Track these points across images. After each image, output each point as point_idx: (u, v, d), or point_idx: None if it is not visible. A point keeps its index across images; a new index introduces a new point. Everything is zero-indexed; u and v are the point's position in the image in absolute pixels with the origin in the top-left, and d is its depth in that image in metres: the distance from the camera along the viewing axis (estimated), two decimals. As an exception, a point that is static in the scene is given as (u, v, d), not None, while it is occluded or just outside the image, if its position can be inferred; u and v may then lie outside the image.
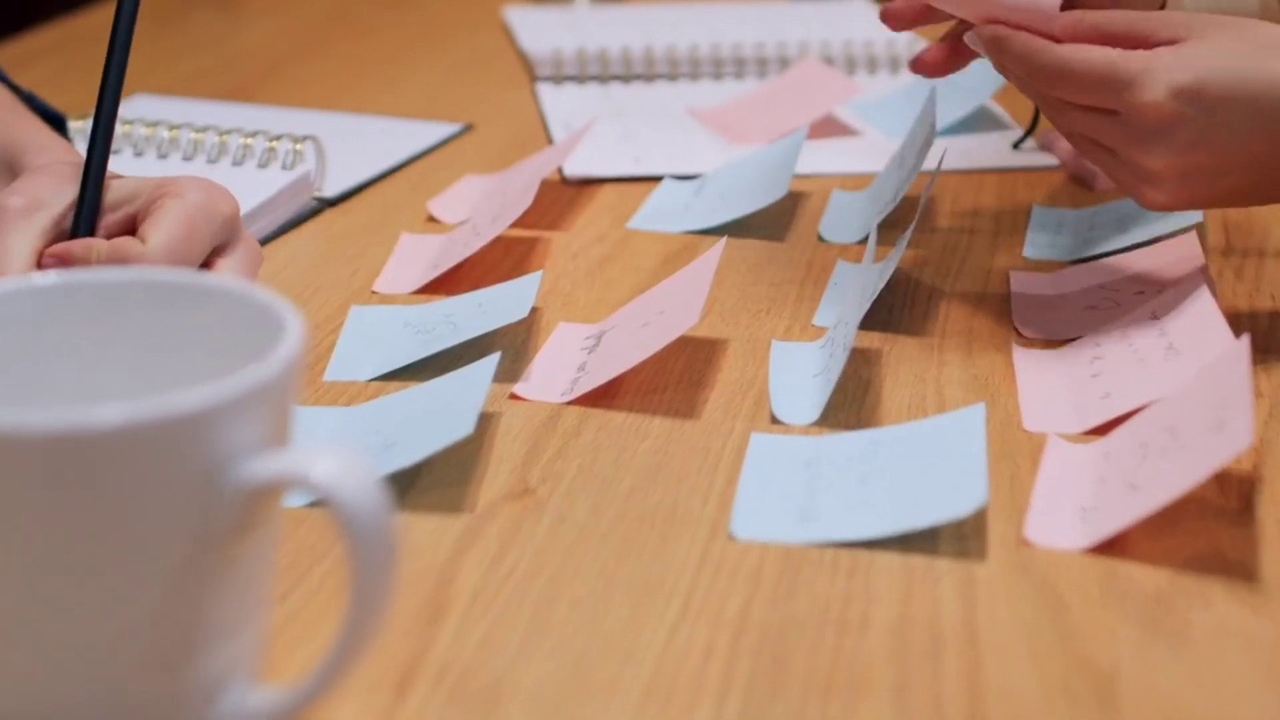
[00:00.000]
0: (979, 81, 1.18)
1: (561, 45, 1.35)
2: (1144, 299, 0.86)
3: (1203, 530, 0.67)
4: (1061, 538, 0.67)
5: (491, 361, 0.75)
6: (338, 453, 0.48)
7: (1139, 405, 0.74)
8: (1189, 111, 0.76)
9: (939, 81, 1.20)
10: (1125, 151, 0.79)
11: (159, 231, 0.70)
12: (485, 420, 0.76)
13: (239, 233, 0.74)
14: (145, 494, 0.47)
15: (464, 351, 0.82)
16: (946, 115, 1.16)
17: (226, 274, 0.72)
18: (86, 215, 0.72)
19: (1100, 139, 0.80)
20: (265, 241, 0.99)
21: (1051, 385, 0.79)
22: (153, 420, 0.46)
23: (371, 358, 0.83)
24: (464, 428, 0.69)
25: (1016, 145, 1.15)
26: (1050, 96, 0.81)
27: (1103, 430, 0.74)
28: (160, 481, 0.47)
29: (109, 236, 0.73)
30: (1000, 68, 0.85)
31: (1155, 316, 0.81)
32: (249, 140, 1.06)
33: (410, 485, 0.71)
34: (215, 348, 0.54)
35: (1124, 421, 0.73)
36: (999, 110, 1.22)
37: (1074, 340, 0.84)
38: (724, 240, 0.84)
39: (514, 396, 0.79)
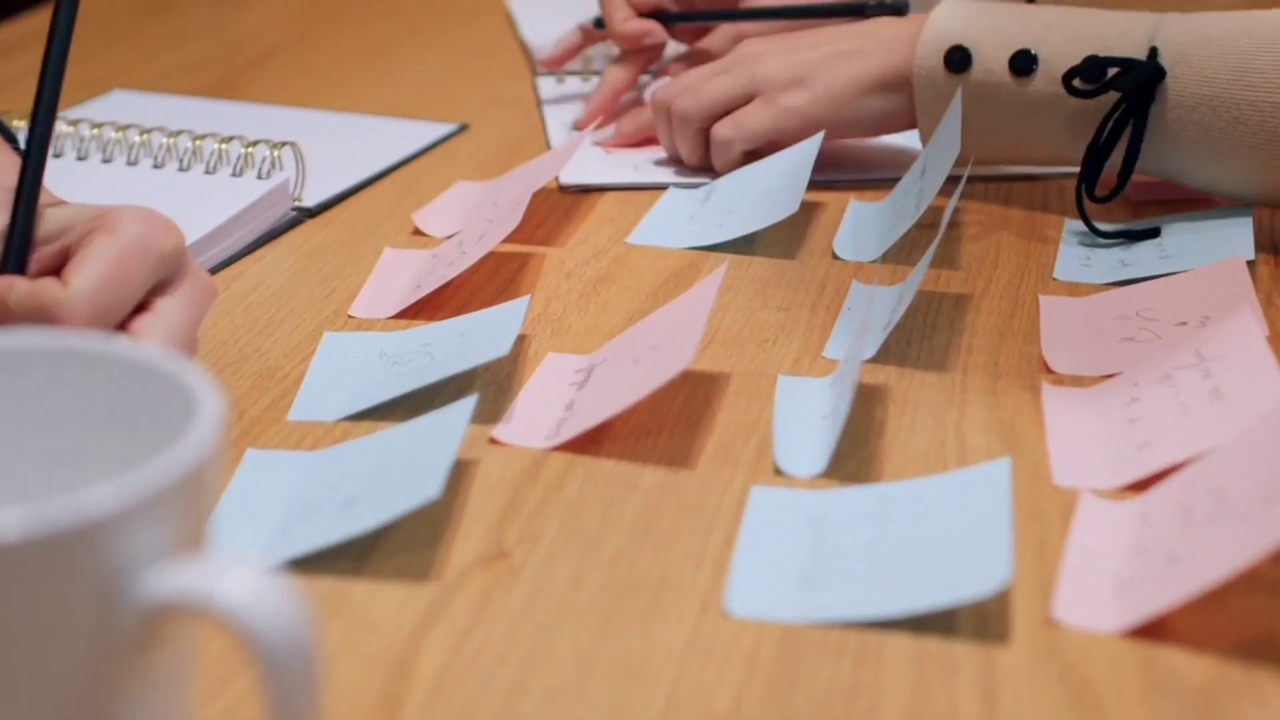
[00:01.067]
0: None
1: (563, 36, 1.28)
2: (1186, 332, 0.79)
3: (1254, 609, 0.60)
4: (1094, 617, 0.60)
5: (466, 409, 0.68)
6: (250, 569, 0.41)
7: (1181, 459, 0.67)
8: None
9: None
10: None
11: (83, 273, 0.63)
12: (461, 468, 0.70)
13: (183, 268, 0.67)
14: (29, 608, 0.40)
15: (441, 387, 0.75)
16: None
17: (164, 316, 0.65)
18: (16, 249, 0.65)
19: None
20: (237, 257, 0.92)
21: (1084, 432, 0.72)
22: (33, 532, 0.39)
23: (341, 394, 0.76)
24: (431, 489, 0.62)
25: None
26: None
27: (1140, 486, 0.67)
28: (44, 596, 0.40)
29: (40, 272, 0.66)
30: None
31: (1200, 356, 0.74)
32: (224, 145, 0.99)
33: (373, 547, 0.64)
34: (121, 429, 0.47)
35: (1164, 477, 0.66)
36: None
37: (1109, 377, 0.77)
38: (724, 267, 0.77)
39: (493, 441, 0.72)
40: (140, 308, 0.66)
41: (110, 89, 1.23)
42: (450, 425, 0.68)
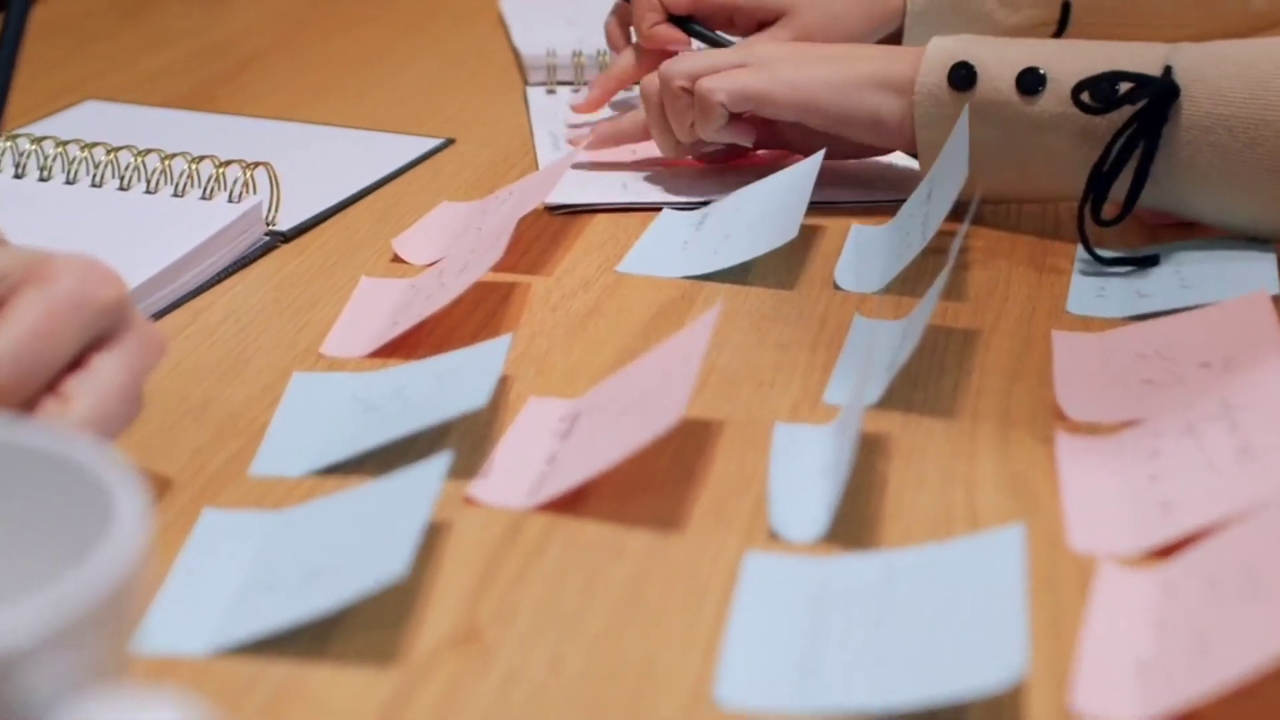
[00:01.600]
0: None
1: (558, 43, 1.23)
2: (1210, 374, 0.74)
3: (1288, 698, 0.56)
4: (1117, 707, 0.55)
5: (438, 470, 0.63)
6: (171, 704, 0.36)
7: (1207, 523, 0.63)
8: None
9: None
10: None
11: (6, 330, 0.58)
12: (433, 532, 0.65)
13: (126, 322, 0.62)
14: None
15: (417, 435, 0.70)
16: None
17: (99, 375, 0.60)
18: None
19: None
20: (207, 286, 0.87)
21: (1102, 489, 0.67)
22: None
23: (308, 445, 0.71)
24: (395, 566, 0.58)
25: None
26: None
27: (1163, 552, 0.63)
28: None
29: None
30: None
31: (1226, 406, 0.69)
32: (195, 165, 0.94)
33: (336, 622, 0.59)
34: (28, 533, 0.42)
35: (1189, 544, 0.62)
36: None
37: (1128, 425, 0.72)
38: (717, 308, 0.72)
39: (469, 500, 0.67)
40: (76, 364, 0.60)
41: (83, 99, 1.18)
42: (421, 489, 0.63)
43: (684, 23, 1.08)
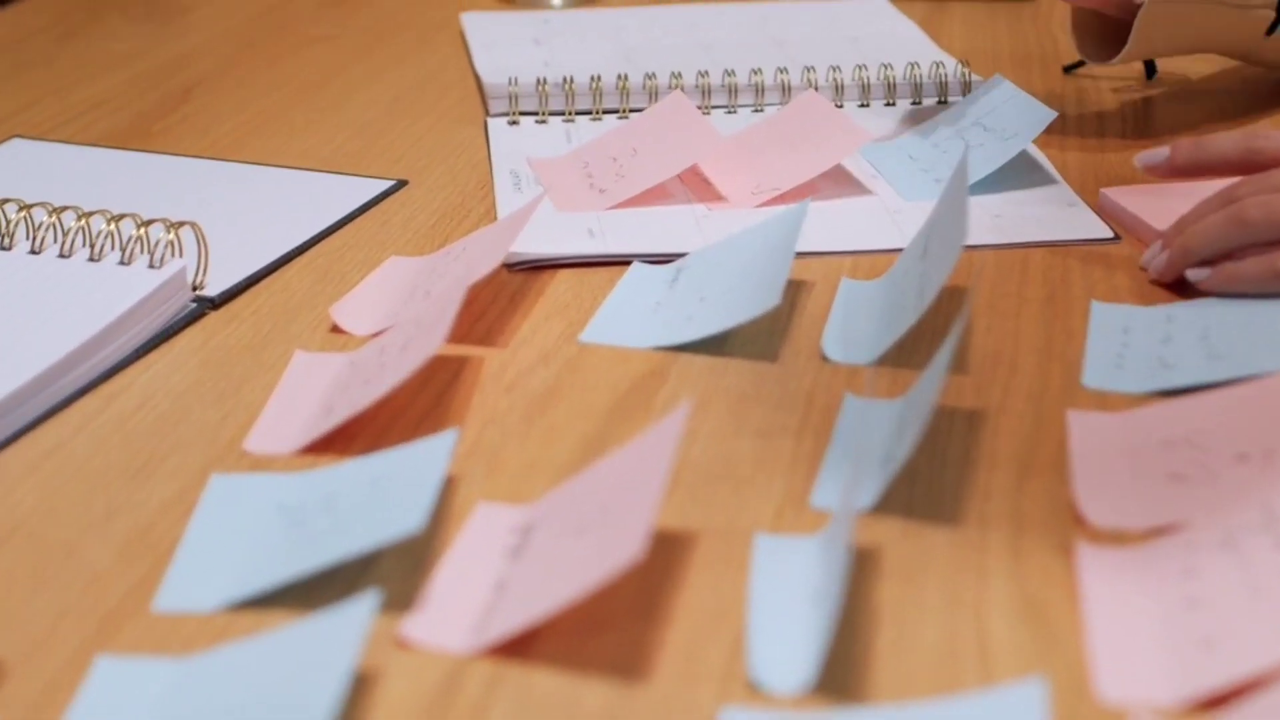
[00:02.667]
0: (1017, 121, 0.97)
1: (522, 68, 1.14)
2: (1248, 470, 0.65)
3: None
4: None
5: (362, 617, 0.55)
6: None
7: (1258, 669, 0.54)
8: None
9: (966, 120, 1.00)
10: None
11: None
12: (359, 685, 0.56)
13: None
14: None
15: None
16: (979, 168, 0.95)
17: None
18: None
19: None
20: (124, 364, 0.78)
21: (1133, 620, 0.58)
22: None
23: (224, 569, 0.63)
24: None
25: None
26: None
27: (1210, 703, 0.54)
28: None
29: None
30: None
31: (1270, 514, 0.60)
32: (114, 225, 0.85)
33: (242, 809, 0.50)
34: None
35: (1239, 695, 0.53)
36: (1041, 158, 1.00)
37: (1157, 532, 0.63)
38: (685, 410, 0.62)
39: (402, 643, 0.58)
40: None
41: (11, 134, 1.09)
42: (343, 639, 0.54)
43: None
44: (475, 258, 0.83)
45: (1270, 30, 0.97)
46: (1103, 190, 0.94)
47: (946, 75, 1.11)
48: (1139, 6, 0.99)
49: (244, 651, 0.57)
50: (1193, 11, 0.99)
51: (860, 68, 1.12)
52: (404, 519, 0.61)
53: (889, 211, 0.94)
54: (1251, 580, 0.58)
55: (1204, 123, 1.08)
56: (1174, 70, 1.17)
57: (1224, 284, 0.81)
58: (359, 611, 0.55)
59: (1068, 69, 1.17)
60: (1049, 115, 0.96)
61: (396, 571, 0.62)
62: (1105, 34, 1.07)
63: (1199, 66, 1.17)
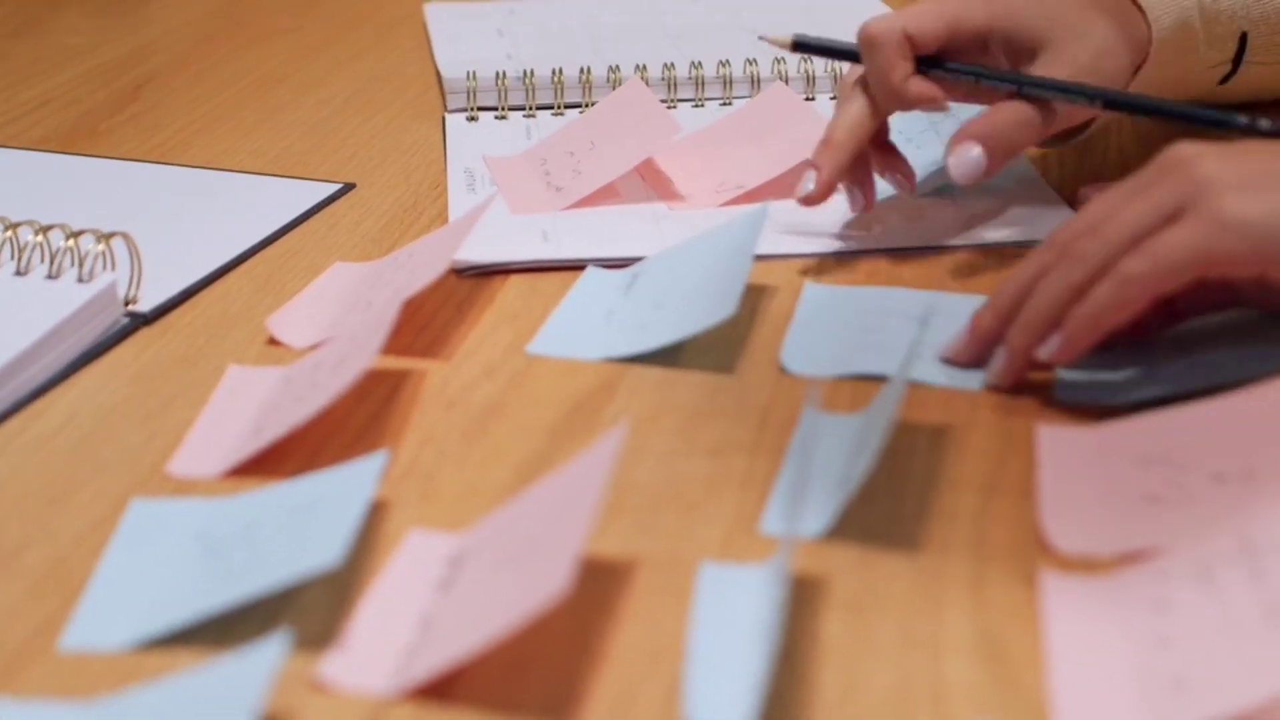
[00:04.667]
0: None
1: (483, 61, 1.10)
2: (1225, 493, 0.61)
3: None
4: None
5: (270, 660, 0.51)
6: None
7: (1231, 711, 0.50)
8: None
9: (941, 115, 0.96)
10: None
11: None
12: (270, 733, 0.52)
13: None
14: None
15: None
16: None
17: None
18: None
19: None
20: (51, 384, 0.74)
21: (1098, 657, 0.55)
22: None
23: (135, 603, 0.59)
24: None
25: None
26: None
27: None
28: None
29: None
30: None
31: (1246, 544, 0.56)
32: (41, 236, 0.81)
33: None
34: None
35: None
36: (1021, 157, 0.96)
37: (1127, 561, 0.59)
38: (621, 431, 0.59)
39: (318, 686, 0.54)
40: None
41: (-52, 139, 1.06)
42: (247, 684, 0.51)
43: (931, 64, 0.85)
44: (419, 265, 0.79)
45: (1226, 80, 0.93)
46: (1082, 190, 0.90)
47: (921, 66, 1.07)
48: None
49: (149, 695, 0.53)
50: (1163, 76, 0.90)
51: (833, 61, 1.07)
52: (321, 553, 0.57)
53: (858, 210, 0.90)
54: (1225, 614, 0.54)
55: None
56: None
57: (1086, 331, 0.68)
58: (266, 655, 0.51)
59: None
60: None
61: (320, 603, 0.58)
62: None
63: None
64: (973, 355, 0.72)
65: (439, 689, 0.54)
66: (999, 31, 0.85)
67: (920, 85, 0.84)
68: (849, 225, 0.88)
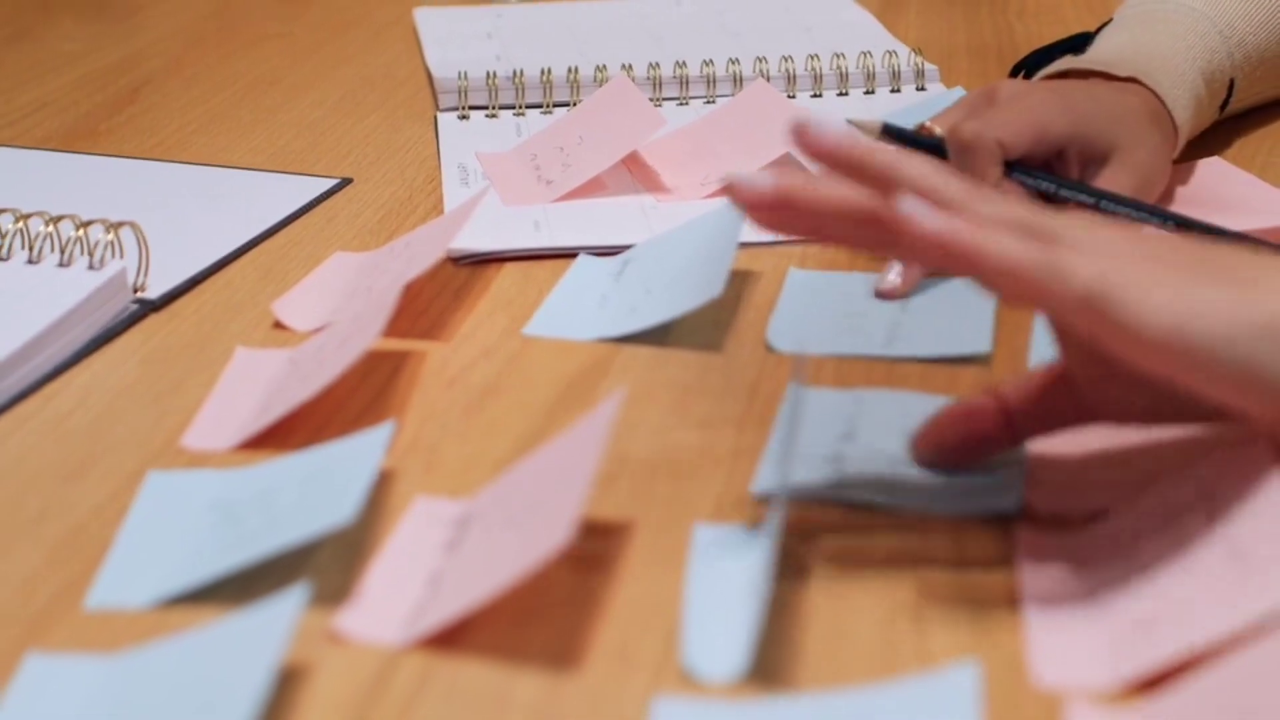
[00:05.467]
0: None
1: (473, 62, 1.13)
2: (1188, 449, 0.64)
3: None
4: None
5: (290, 610, 0.54)
6: None
7: (1197, 645, 0.53)
8: None
9: (920, 118, 0.99)
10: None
11: None
12: (290, 681, 0.55)
13: None
14: None
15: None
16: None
17: None
18: None
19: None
20: (63, 368, 0.77)
21: (1070, 604, 0.58)
22: None
23: (156, 565, 0.62)
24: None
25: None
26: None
27: (1147, 684, 0.53)
28: None
29: None
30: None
31: (1203, 494, 0.60)
32: (52, 227, 0.84)
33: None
34: None
35: (1176, 674, 0.52)
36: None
37: (1097, 518, 0.62)
38: (618, 398, 0.62)
39: (334, 637, 0.57)
40: None
41: (-48, 139, 1.09)
42: (269, 633, 0.53)
43: (1014, 168, 0.86)
44: (417, 253, 0.82)
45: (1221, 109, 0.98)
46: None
47: (900, 64, 1.11)
48: None
49: (173, 647, 0.56)
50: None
51: (813, 57, 1.11)
52: (335, 511, 0.60)
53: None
54: (1188, 562, 0.57)
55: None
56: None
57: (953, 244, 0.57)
58: (287, 605, 0.54)
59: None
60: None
61: (333, 565, 0.61)
62: None
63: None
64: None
65: (448, 639, 0.57)
66: (1078, 140, 0.87)
67: (1011, 190, 0.85)
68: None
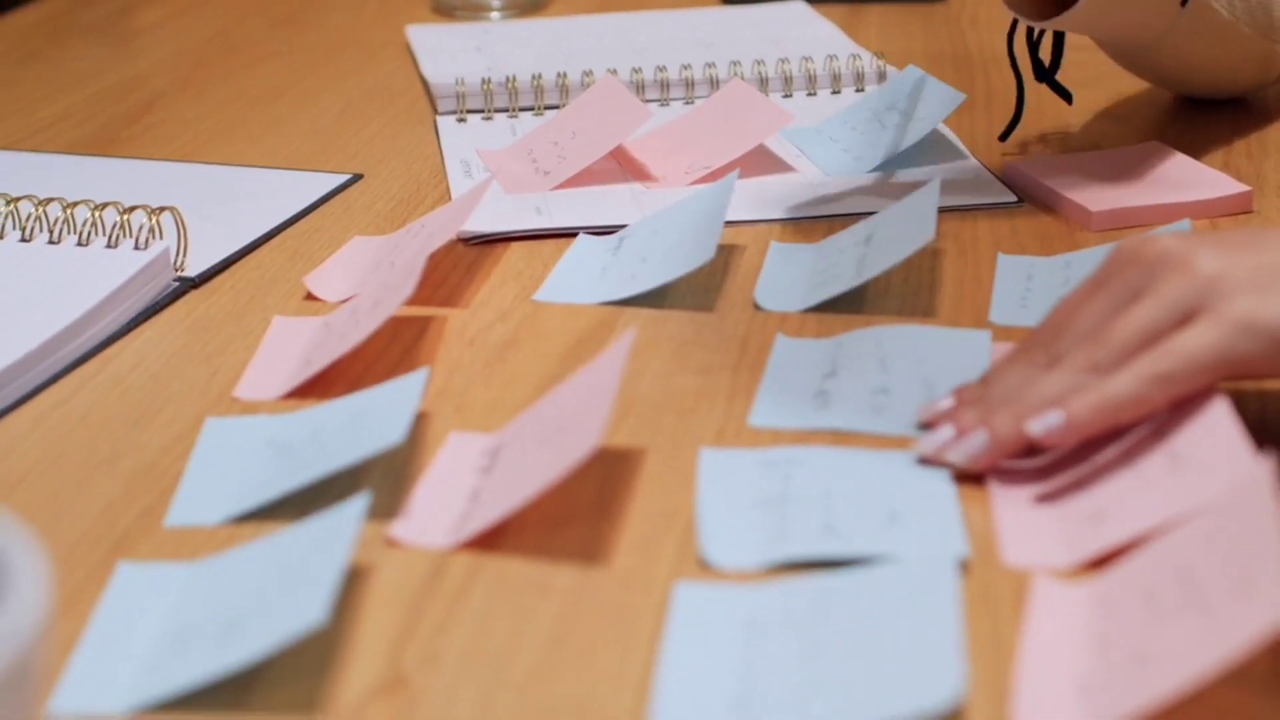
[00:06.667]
0: (929, 104, 1.06)
1: (466, 72, 1.22)
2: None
3: (1230, 704, 0.55)
4: (1059, 726, 0.54)
5: (355, 513, 0.62)
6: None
7: (1140, 532, 0.62)
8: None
9: (882, 104, 1.08)
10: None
11: None
12: (355, 577, 0.63)
13: None
14: None
15: (337, 474, 0.69)
16: (895, 145, 1.04)
17: None
18: None
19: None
20: (115, 337, 0.85)
21: (1032, 501, 0.66)
22: None
23: (224, 492, 0.70)
24: (314, 614, 0.56)
25: (1004, 136, 1.08)
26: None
27: (1098, 563, 0.62)
28: None
29: None
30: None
31: (1155, 419, 0.68)
32: (98, 212, 0.92)
33: (258, 675, 0.57)
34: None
35: (1123, 554, 0.61)
36: (953, 137, 1.09)
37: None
38: (631, 333, 0.70)
39: (390, 542, 0.65)
40: None
41: (-18, 148, 1.16)
42: (339, 532, 0.61)
43: None
44: (435, 230, 0.90)
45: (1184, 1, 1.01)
46: (1006, 162, 1.02)
47: (864, 66, 1.20)
48: None
49: (249, 552, 0.64)
50: None
51: (783, 62, 1.20)
52: (387, 433, 0.68)
53: (812, 185, 1.02)
54: (1135, 467, 0.66)
55: (1088, 119, 1.16)
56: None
57: (1094, 417, 0.66)
58: (352, 510, 0.62)
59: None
60: (958, 97, 1.04)
61: (381, 487, 0.69)
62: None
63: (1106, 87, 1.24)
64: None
65: (491, 542, 0.65)
66: None
67: None
68: (806, 200, 1.00)
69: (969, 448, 0.68)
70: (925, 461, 0.69)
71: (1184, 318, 0.66)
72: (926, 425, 0.71)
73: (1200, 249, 0.67)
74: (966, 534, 0.64)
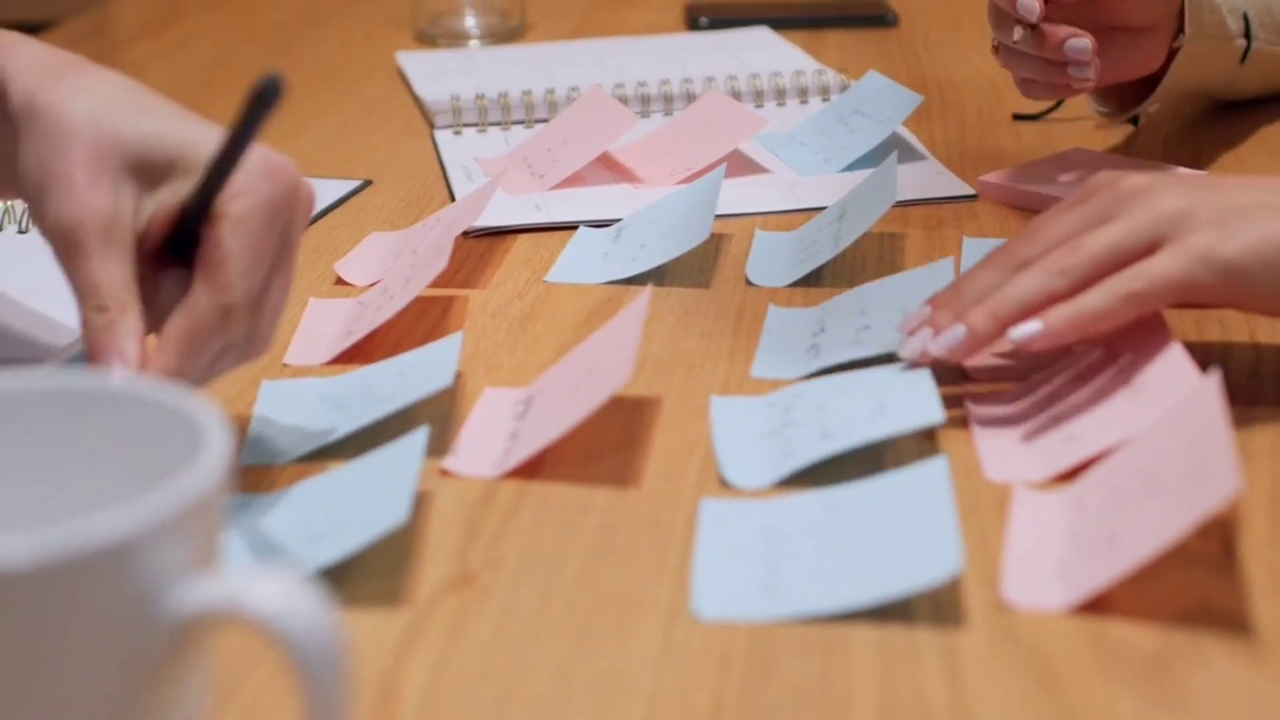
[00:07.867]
0: (889, 107, 1.15)
1: (459, 90, 1.31)
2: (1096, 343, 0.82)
3: (1189, 580, 0.64)
4: (1042, 597, 0.63)
5: (420, 437, 0.70)
6: (276, 577, 0.43)
7: (1106, 446, 0.71)
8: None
9: (847, 109, 1.18)
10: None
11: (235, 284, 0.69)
12: (417, 500, 0.71)
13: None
14: (62, 631, 0.42)
15: (386, 425, 0.77)
16: (860, 146, 1.13)
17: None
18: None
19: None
20: (163, 316, 0.93)
21: (1009, 429, 0.76)
22: (64, 555, 0.41)
23: (288, 438, 0.78)
24: (398, 514, 0.64)
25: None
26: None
27: (1069, 476, 0.71)
28: (78, 619, 0.42)
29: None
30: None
31: (1112, 354, 0.78)
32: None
33: (344, 575, 0.66)
34: (130, 461, 0.48)
35: (1092, 465, 0.70)
36: (912, 138, 1.19)
37: (1025, 382, 0.80)
38: (649, 289, 0.79)
39: (444, 472, 0.74)
40: None
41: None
42: (407, 455, 0.70)
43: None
44: (454, 220, 0.99)
45: (1244, 57, 1.12)
46: (981, 178, 1.11)
47: (828, 81, 1.30)
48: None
49: (323, 481, 0.72)
50: (1204, 52, 1.08)
51: (754, 76, 1.30)
52: (435, 379, 0.77)
53: (788, 184, 1.11)
54: (1099, 396, 0.75)
55: (1057, 117, 1.26)
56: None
57: (1069, 327, 0.74)
58: (416, 438, 0.71)
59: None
60: (916, 99, 1.14)
61: (431, 431, 0.77)
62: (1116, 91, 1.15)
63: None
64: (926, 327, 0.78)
65: (533, 471, 0.73)
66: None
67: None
68: (783, 196, 1.09)
69: (948, 340, 0.76)
70: (909, 366, 0.78)
71: (1150, 245, 0.74)
72: (909, 335, 0.79)
73: (1172, 186, 0.75)
74: (941, 405, 0.73)
